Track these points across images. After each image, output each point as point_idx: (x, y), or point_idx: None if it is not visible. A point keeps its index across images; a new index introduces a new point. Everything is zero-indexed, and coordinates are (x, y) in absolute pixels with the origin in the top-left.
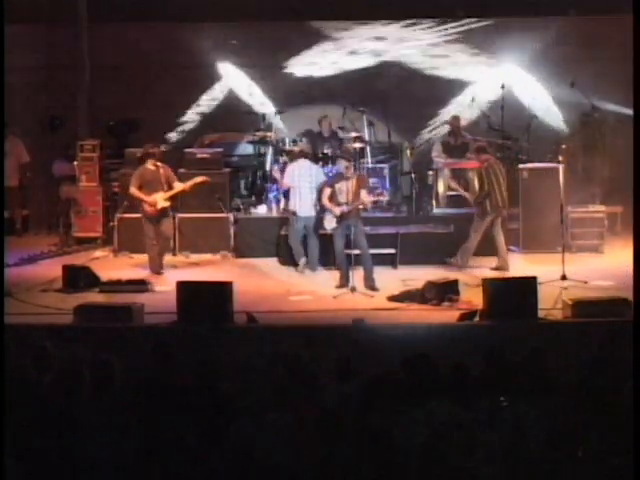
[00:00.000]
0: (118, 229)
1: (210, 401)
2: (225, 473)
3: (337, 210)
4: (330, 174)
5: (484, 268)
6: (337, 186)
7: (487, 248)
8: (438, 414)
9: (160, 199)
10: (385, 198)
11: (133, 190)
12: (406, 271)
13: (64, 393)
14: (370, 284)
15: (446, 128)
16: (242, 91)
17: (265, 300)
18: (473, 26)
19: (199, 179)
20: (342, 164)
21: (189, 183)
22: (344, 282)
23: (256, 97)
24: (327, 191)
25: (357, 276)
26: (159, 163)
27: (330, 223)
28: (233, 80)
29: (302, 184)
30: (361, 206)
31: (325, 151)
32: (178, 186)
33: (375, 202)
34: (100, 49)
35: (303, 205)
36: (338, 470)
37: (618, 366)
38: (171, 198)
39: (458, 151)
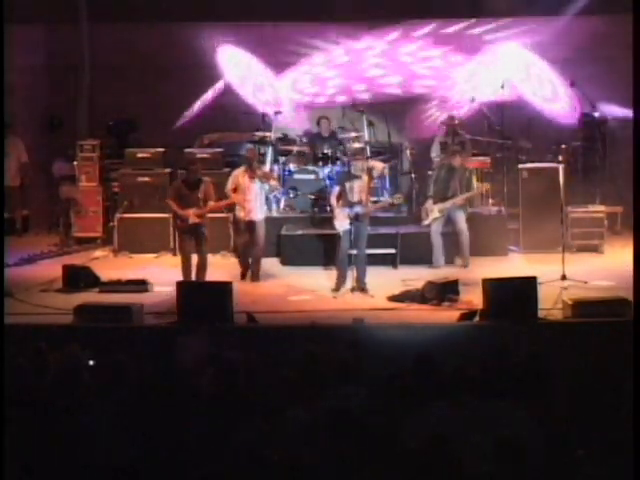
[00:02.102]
0: (118, 229)
1: (210, 401)
2: (226, 473)
3: (342, 216)
4: (330, 174)
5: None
6: (347, 185)
7: (486, 248)
8: (439, 415)
9: (193, 214)
10: (400, 201)
11: (169, 202)
12: (406, 271)
13: (64, 393)
14: (361, 286)
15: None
16: (242, 91)
17: (265, 300)
18: (473, 26)
19: (233, 200)
20: (357, 164)
21: (222, 203)
22: (341, 284)
23: (256, 97)
24: (336, 190)
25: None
26: (200, 177)
27: (342, 224)
28: (233, 80)
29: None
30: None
31: (325, 151)
32: (211, 204)
33: (392, 205)
34: (100, 49)
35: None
36: (341, 471)
37: (618, 366)
38: (203, 215)
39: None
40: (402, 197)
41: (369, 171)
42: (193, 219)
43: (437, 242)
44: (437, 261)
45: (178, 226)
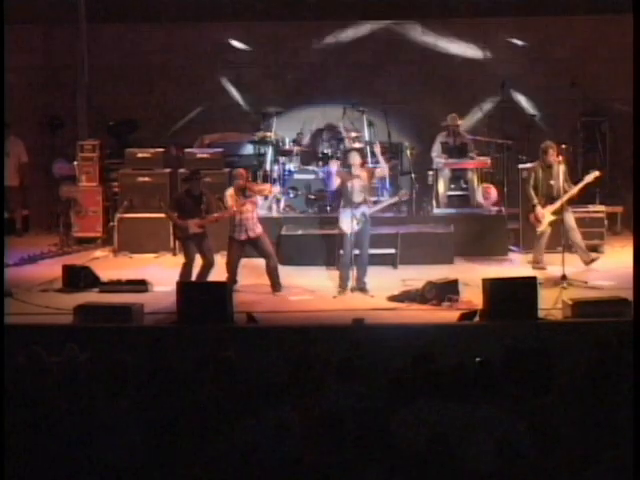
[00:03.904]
0: (118, 229)
1: (210, 401)
2: (226, 472)
3: (348, 217)
4: (330, 174)
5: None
6: (348, 184)
7: (486, 248)
8: (438, 415)
9: (192, 225)
10: (406, 197)
11: (169, 212)
12: (406, 271)
13: (64, 394)
14: (361, 286)
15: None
16: (242, 91)
17: (265, 300)
18: (473, 26)
19: (231, 212)
20: (354, 158)
21: (224, 214)
22: (345, 285)
23: (256, 97)
24: (333, 169)
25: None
26: (203, 189)
27: (350, 226)
28: (233, 79)
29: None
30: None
31: (325, 151)
32: (213, 216)
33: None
34: (100, 49)
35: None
36: (340, 471)
37: (618, 366)
38: (204, 225)
39: (457, 151)
40: (407, 193)
41: (370, 172)
42: (193, 229)
43: (543, 245)
44: (542, 261)
45: (177, 236)
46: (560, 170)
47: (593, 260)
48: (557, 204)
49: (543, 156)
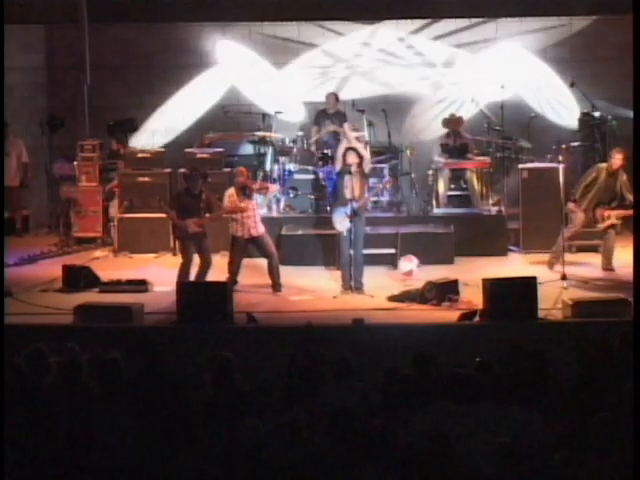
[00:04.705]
0: (118, 229)
1: (210, 401)
2: (225, 473)
3: (341, 216)
4: (330, 174)
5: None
6: (346, 178)
7: (486, 248)
8: (438, 415)
9: (191, 225)
10: (390, 185)
11: (169, 212)
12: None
13: (63, 394)
14: (357, 286)
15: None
16: (242, 91)
17: (265, 300)
18: (473, 26)
19: (229, 211)
20: (351, 157)
21: (221, 212)
22: (348, 284)
23: (256, 97)
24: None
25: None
26: (203, 188)
27: (343, 224)
28: (233, 80)
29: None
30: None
31: (325, 151)
32: (212, 215)
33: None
34: (100, 49)
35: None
36: (340, 471)
37: (618, 366)
38: (203, 224)
39: (458, 152)
40: (391, 181)
41: (360, 166)
42: (193, 229)
43: (612, 245)
44: (558, 261)
45: (177, 236)
46: (622, 177)
47: (612, 270)
48: (627, 211)
49: (609, 160)
